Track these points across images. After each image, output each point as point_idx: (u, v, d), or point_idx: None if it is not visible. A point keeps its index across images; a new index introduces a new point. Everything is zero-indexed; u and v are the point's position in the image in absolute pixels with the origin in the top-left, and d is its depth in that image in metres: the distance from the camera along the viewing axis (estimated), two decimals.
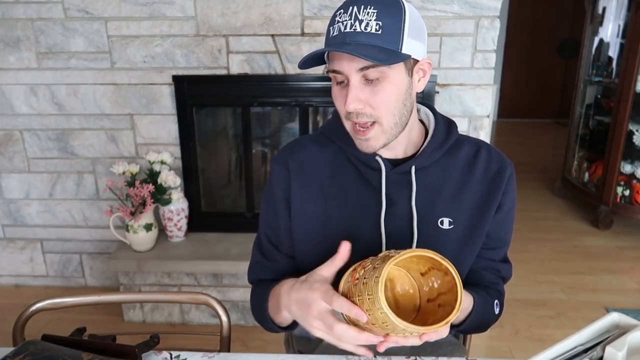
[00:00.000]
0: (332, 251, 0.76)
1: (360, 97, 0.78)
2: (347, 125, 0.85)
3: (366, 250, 0.80)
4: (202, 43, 2.12)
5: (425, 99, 2.09)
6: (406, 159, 0.91)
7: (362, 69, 0.77)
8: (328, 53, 0.81)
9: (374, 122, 0.81)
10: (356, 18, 0.75)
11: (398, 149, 0.90)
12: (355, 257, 0.81)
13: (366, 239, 0.88)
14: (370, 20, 0.75)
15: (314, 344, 1.04)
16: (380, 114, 0.80)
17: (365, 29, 0.75)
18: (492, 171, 0.91)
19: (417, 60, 0.82)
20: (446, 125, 0.94)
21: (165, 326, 2.23)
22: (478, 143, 0.95)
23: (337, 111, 0.95)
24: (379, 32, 0.75)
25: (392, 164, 0.89)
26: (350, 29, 0.75)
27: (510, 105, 6.27)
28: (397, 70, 0.79)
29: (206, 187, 2.42)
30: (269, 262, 0.98)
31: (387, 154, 0.90)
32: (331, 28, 0.79)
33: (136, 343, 0.83)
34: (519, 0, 5.62)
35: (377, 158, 0.89)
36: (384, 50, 0.75)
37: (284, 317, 0.84)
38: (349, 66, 0.77)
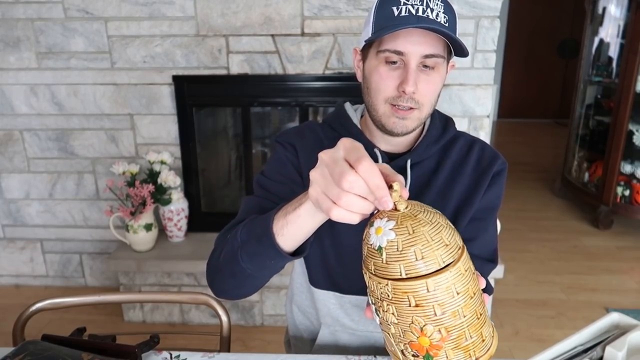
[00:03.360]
0: (332, 236, 0.85)
1: (417, 82, 0.80)
2: (385, 108, 0.84)
3: (357, 239, 0.80)
4: (202, 43, 2.12)
5: None
6: (404, 152, 0.92)
7: (427, 56, 0.79)
8: (383, 33, 0.79)
9: (413, 109, 0.83)
10: (427, 5, 0.76)
11: (399, 143, 0.91)
12: (349, 242, 0.87)
13: (357, 229, 0.88)
14: (439, 11, 0.76)
15: (312, 345, 1.04)
16: (425, 102, 0.83)
17: (437, 18, 0.76)
18: (483, 166, 0.91)
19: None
20: (443, 121, 0.95)
21: (165, 326, 2.23)
22: (473, 140, 0.95)
23: (341, 104, 0.96)
24: (447, 25, 0.77)
25: (390, 157, 0.90)
26: (424, 14, 0.75)
27: (510, 105, 6.28)
28: (444, 65, 0.83)
29: (206, 187, 2.42)
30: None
31: (387, 147, 0.91)
32: (395, 8, 0.77)
33: (136, 343, 0.83)
34: (519, 0, 5.62)
35: (375, 150, 0.90)
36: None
37: (300, 214, 0.62)
38: (415, 49, 0.78)
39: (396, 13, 0.77)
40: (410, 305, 0.47)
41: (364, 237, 0.53)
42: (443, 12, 0.77)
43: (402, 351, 0.51)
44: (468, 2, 2.03)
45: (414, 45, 0.77)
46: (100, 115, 2.26)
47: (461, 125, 2.18)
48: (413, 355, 0.50)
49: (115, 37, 2.14)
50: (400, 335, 0.49)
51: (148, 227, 2.14)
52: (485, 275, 0.93)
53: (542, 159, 4.76)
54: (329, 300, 0.97)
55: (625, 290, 2.52)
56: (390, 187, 0.49)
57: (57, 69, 2.20)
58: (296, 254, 0.69)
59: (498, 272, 2.10)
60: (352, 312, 0.97)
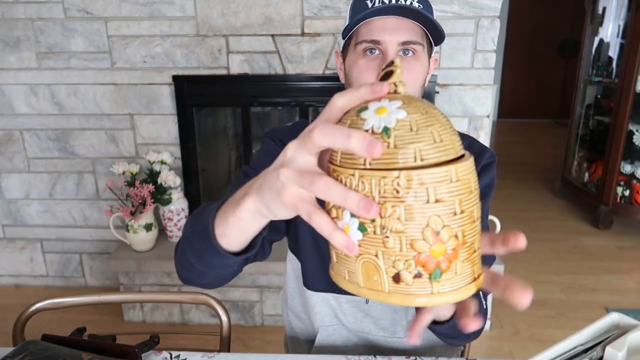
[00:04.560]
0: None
1: None
2: None
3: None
4: (202, 43, 2.12)
5: (425, 99, 2.09)
6: None
7: (405, 43, 0.79)
8: (356, 23, 0.80)
9: None
10: None
11: None
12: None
13: None
14: (413, 0, 0.77)
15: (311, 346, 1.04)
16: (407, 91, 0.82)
17: (411, 4, 0.76)
18: None
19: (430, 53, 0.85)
20: None
21: (165, 326, 2.23)
22: (460, 136, 0.93)
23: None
24: (422, 10, 0.77)
25: None
26: (397, 2, 0.76)
27: (510, 105, 6.28)
28: (424, 53, 0.82)
29: (206, 187, 2.42)
30: None
31: None
32: (368, 1, 0.78)
33: (136, 343, 0.83)
34: (519, 0, 5.63)
35: None
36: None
37: (241, 217, 0.51)
38: (392, 37, 0.78)
39: (370, 5, 0.78)
40: (428, 202, 0.37)
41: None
42: (417, 1, 0.77)
43: (397, 274, 0.38)
44: (468, 2, 2.03)
45: (390, 33, 0.78)
46: (100, 115, 2.26)
47: (461, 126, 2.18)
48: (415, 276, 0.38)
49: (115, 37, 2.14)
50: (402, 249, 0.37)
51: (148, 227, 2.14)
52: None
53: (542, 159, 4.76)
54: (326, 302, 0.96)
55: (625, 290, 2.52)
56: (390, 64, 0.42)
57: (57, 69, 2.20)
58: (248, 249, 0.60)
59: (498, 272, 2.10)
60: (350, 312, 0.96)
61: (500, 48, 5.85)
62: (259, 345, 2.11)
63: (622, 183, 3.12)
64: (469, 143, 0.93)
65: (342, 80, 0.90)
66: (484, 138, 2.20)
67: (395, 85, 0.41)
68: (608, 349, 0.74)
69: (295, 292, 1.04)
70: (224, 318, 1.04)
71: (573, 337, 0.77)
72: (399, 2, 0.76)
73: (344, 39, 0.85)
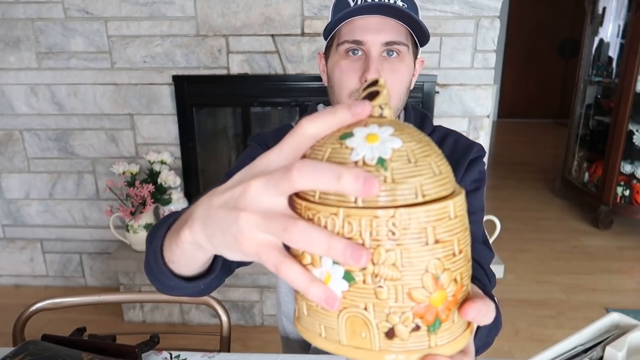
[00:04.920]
0: None
1: (380, 70, 0.76)
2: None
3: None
4: (202, 43, 2.12)
5: (425, 99, 2.09)
6: None
7: (388, 43, 0.76)
8: (338, 22, 0.77)
9: None
10: None
11: None
12: None
13: None
14: None
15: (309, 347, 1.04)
16: (391, 93, 0.79)
17: (395, 2, 0.74)
18: (457, 155, 0.86)
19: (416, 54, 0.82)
20: (419, 117, 0.91)
21: (165, 326, 2.23)
22: (447, 132, 0.91)
23: (314, 105, 0.93)
24: (406, 9, 0.74)
25: None
26: (380, 0, 0.73)
27: (510, 105, 6.28)
28: (409, 54, 0.79)
29: (206, 187, 2.41)
30: None
31: None
32: (351, 0, 0.76)
33: (136, 343, 0.83)
34: (519, 0, 5.63)
35: None
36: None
37: (184, 247, 0.43)
38: (375, 37, 0.75)
39: (352, 4, 0.75)
40: (428, 243, 0.32)
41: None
42: (401, 0, 0.75)
43: (391, 329, 0.33)
44: (468, 2, 2.03)
45: (373, 33, 0.75)
46: (100, 115, 2.26)
47: (461, 126, 2.18)
48: (412, 330, 0.33)
49: (115, 37, 2.14)
50: (397, 300, 0.32)
51: (148, 227, 2.14)
52: (485, 265, 0.82)
53: (542, 159, 4.76)
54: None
55: (625, 290, 2.52)
56: (373, 84, 0.36)
57: (57, 69, 2.20)
58: (206, 273, 0.54)
59: (498, 272, 2.10)
60: None
61: (500, 48, 5.85)
62: (259, 345, 2.11)
63: (622, 183, 3.12)
64: (455, 138, 0.89)
65: (325, 83, 0.87)
66: (484, 138, 2.20)
67: (381, 109, 0.35)
68: (608, 349, 0.74)
69: (288, 297, 1.03)
70: (224, 318, 1.04)
71: (573, 337, 0.77)
72: (382, 1, 0.73)
73: (325, 39, 0.82)
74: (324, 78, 0.87)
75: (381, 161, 0.32)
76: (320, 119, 0.33)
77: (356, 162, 0.32)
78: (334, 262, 0.32)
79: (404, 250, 0.31)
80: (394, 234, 0.31)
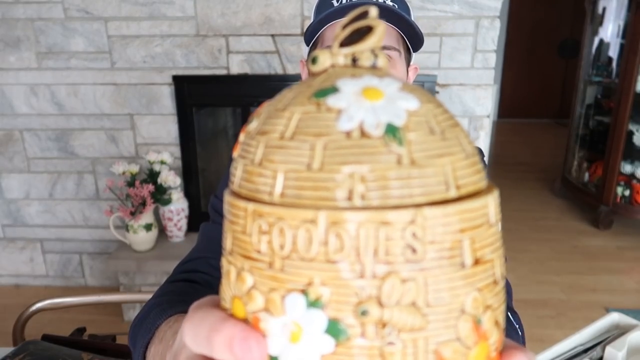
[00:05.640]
0: None
1: None
2: None
3: None
4: (202, 43, 2.12)
5: None
6: None
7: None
8: (320, 25, 0.70)
9: None
10: None
11: None
12: None
13: None
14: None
15: None
16: None
17: (384, 2, 0.67)
18: None
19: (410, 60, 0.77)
20: None
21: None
22: None
23: None
24: (396, 9, 0.68)
25: None
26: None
27: (510, 105, 6.28)
28: (401, 60, 0.73)
29: (206, 187, 2.42)
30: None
31: None
32: (334, 1, 0.69)
33: None
34: (519, 0, 5.63)
35: None
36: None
37: None
38: None
39: (336, 4, 0.68)
40: (464, 265, 0.20)
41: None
42: (391, 1, 0.68)
43: None
44: (468, 2, 2.03)
45: None
46: (100, 115, 2.26)
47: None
48: None
49: (115, 37, 2.14)
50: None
51: (148, 227, 2.14)
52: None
53: (542, 159, 4.76)
54: None
55: (625, 290, 2.52)
56: (362, 16, 0.23)
57: (57, 69, 2.20)
58: None
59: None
60: None
61: (500, 48, 5.85)
62: None
63: (622, 183, 3.12)
64: None
65: None
66: (484, 138, 2.20)
67: (375, 55, 0.23)
68: (608, 349, 0.74)
69: None
70: None
71: (573, 337, 0.77)
72: (370, 0, 0.67)
73: (307, 44, 0.73)
74: None
75: (392, 130, 0.20)
76: (196, 338, 0.22)
77: (348, 133, 0.20)
78: (310, 304, 0.19)
79: (431, 279, 0.19)
80: (414, 251, 0.19)
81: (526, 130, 5.95)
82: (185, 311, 0.48)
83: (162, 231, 2.27)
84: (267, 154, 0.20)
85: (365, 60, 0.23)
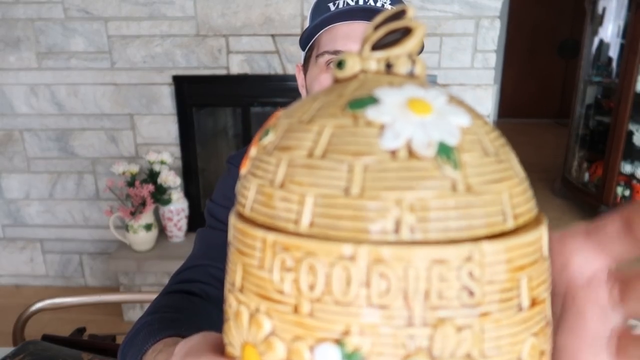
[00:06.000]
0: None
1: None
2: None
3: None
4: (202, 43, 2.12)
5: None
6: None
7: None
8: (316, 30, 0.69)
9: None
10: None
11: None
12: None
13: None
14: (385, 2, 0.67)
15: None
16: None
17: (382, 5, 0.66)
18: None
19: None
20: None
21: None
22: None
23: None
24: None
25: None
26: (365, 4, 0.66)
27: (510, 105, 6.28)
28: None
29: (206, 187, 2.42)
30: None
31: None
32: (331, 4, 0.68)
33: None
34: (519, 0, 5.63)
35: None
36: None
37: None
38: (357, 46, 0.69)
39: (332, 8, 0.67)
40: (522, 308, 0.18)
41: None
42: (390, 3, 0.67)
43: None
44: (468, 2, 2.03)
45: (357, 41, 0.63)
46: (100, 115, 2.26)
47: None
48: None
49: (115, 37, 2.14)
50: None
51: (148, 227, 2.14)
52: None
53: (542, 158, 4.76)
54: None
55: None
56: (398, 15, 0.21)
57: (57, 69, 2.20)
58: None
59: None
60: None
61: (500, 48, 5.85)
62: None
63: (622, 183, 3.12)
64: None
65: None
66: None
67: (412, 62, 0.20)
68: None
69: None
70: None
71: None
72: (368, 3, 0.65)
73: (303, 49, 0.73)
74: (303, 94, 0.76)
75: (445, 150, 0.17)
76: None
77: (394, 153, 0.17)
78: (346, 356, 0.16)
79: (488, 325, 0.17)
80: (471, 294, 0.16)
81: (526, 130, 5.95)
82: (175, 335, 0.49)
83: (162, 231, 2.27)
84: (292, 174, 0.17)
85: (401, 67, 0.20)
